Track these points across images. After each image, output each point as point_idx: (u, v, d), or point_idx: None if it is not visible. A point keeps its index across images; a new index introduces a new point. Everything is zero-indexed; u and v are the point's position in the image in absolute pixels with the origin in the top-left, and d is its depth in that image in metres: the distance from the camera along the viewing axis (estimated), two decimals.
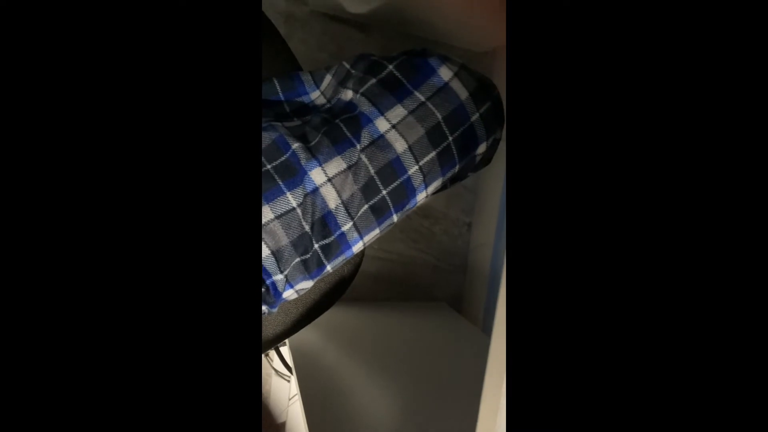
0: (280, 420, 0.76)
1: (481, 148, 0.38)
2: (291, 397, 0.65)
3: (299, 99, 0.40)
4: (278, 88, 0.40)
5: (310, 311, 0.44)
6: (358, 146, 0.34)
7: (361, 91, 0.36)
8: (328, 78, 0.40)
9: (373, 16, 0.71)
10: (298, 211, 0.34)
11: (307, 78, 0.40)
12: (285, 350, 0.64)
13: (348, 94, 0.37)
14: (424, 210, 0.86)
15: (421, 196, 0.37)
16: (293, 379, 0.59)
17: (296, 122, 0.37)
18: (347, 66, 0.39)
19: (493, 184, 0.82)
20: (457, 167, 0.37)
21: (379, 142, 0.34)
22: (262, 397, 0.85)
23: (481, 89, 0.36)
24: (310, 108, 0.40)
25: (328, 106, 0.39)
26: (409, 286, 0.87)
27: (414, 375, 0.60)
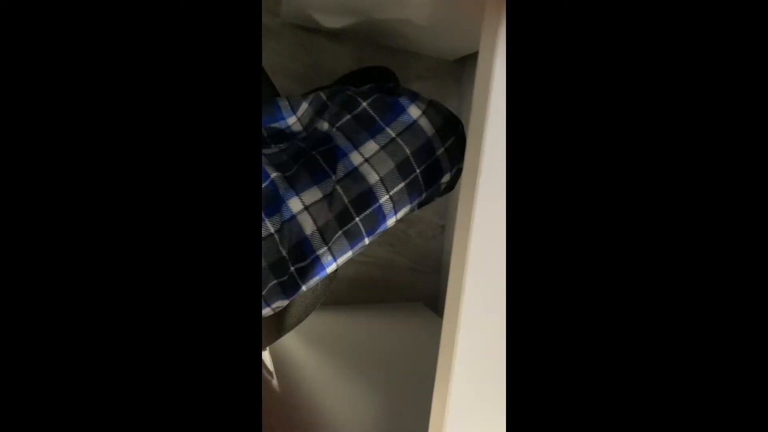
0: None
1: (446, 178, 0.41)
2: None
3: (276, 124, 0.42)
4: None
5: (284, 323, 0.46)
6: (334, 177, 0.36)
7: (337, 125, 0.38)
8: (304, 105, 0.42)
9: (346, 27, 0.73)
10: (276, 237, 0.36)
11: (284, 104, 0.42)
12: (266, 355, 0.65)
13: (324, 126, 0.39)
14: None
15: (391, 221, 0.40)
16: (274, 383, 0.60)
17: (274, 149, 0.39)
18: (323, 97, 0.41)
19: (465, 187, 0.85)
20: (424, 195, 0.40)
21: (353, 174, 0.37)
22: None
23: (447, 125, 0.39)
24: (287, 134, 0.42)
25: (305, 134, 0.41)
26: (386, 288, 0.89)
27: (394, 373, 0.62)
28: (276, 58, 0.74)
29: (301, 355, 0.64)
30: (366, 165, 0.37)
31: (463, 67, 0.86)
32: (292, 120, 0.42)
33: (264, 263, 0.36)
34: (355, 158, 0.37)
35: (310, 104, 0.42)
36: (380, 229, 0.40)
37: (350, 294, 0.86)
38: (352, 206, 0.37)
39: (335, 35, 0.77)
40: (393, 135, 0.37)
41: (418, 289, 0.93)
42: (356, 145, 0.37)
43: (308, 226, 0.36)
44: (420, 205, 0.42)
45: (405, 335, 0.76)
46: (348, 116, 0.38)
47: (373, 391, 0.57)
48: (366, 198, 0.37)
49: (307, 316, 0.43)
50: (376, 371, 0.62)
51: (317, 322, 0.74)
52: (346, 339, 0.71)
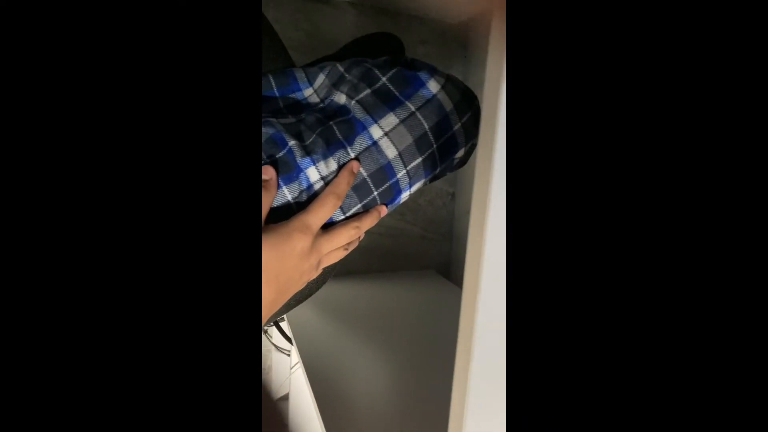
0: (284, 392, 0.80)
1: (460, 153, 0.41)
2: (292, 366, 0.68)
3: (293, 95, 0.42)
4: (273, 84, 0.41)
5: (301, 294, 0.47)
6: (350, 149, 0.36)
7: (356, 98, 0.38)
8: (321, 77, 0.41)
9: None
10: (294, 205, 0.36)
11: (300, 75, 0.42)
12: (284, 325, 0.67)
13: (342, 98, 0.39)
14: None
15: (405, 195, 0.40)
16: (293, 349, 0.63)
17: (291, 119, 0.39)
18: (341, 69, 0.40)
19: (474, 154, 0.84)
20: (438, 170, 0.40)
21: (373, 148, 0.37)
22: (265, 372, 0.89)
23: (464, 101, 0.39)
24: (304, 105, 0.42)
25: (322, 105, 0.41)
26: (398, 256, 0.91)
27: (409, 338, 0.63)
28: (278, 27, 0.73)
29: (319, 324, 0.66)
30: (385, 139, 0.37)
31: (468, 29, 0.84)
32: (308, 92, 0.42)
33: None
34: (375, 132, 0.37)
35: (326, 76, 0.41)
36: (395, 203, 0.40)
37: (362, 264, 0.88)
38: (371, 180, 0.37)
39: (336, 1, 0.74)
40: (413, 109, 0.37)
41: (429, 256, 0.94)
42: (376, 119, 0.37)
43: None
44: (432, 180, 0.42)
45: (418, 301, 0.78)
46: (367, 90, 0.38)
47: (391, 354, 0.59)
48: (385, 173, 0.37)
49: (313, 293, 0.44)
50: (391, 338, 0.64)
51: (332, 291, 0.76)
52: (362, 307, 0.73)
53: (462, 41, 0.85)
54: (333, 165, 0.36)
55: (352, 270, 0.86)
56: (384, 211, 0.39)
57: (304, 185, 0.36)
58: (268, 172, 0.34)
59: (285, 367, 0.77)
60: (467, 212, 0.89)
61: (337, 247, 0.37)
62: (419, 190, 0.86)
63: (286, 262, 0.33)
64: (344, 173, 0.36)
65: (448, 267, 0.95)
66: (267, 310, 0.32)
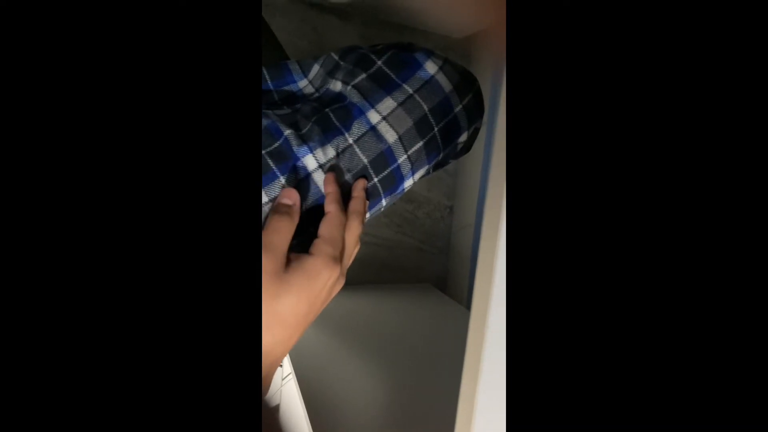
0: (274, 403, 0.78)
1: (463, 137, 0.40)
2: (284, 377, 0.67)
3: (288, 87, 0.41)
4: (267, 76, 0.40)
5: None
6: (348, 135, 0.35)
7: (351, 83, 0.37)
8: (316, 67, 0.41)
9: (352, 4, 0.72)
10: None
11: (295, 67, 0.41)
12: None
13: (337, 86, 0.38)
14: (407, 195, 0.88)
15: (408, 183, 0.39)
16: (286, 359, 0.62)
17: (286, 110, 0.38)
18: (336, 57, 0.40)
19: (472, 168, 0.85)
20: (441, 155, 0.39)
21: (371, 133, 0.36)
22: None
23: (464, 82, 0.38)
24: (299, 97, 0.41)
25: (317, 95, 0.40)
26: (395, 268, 0.90)
27: (403, 352, 0.62)
28: (282, 34, 0.73)
29: (312, 334, 0.65)
30: (384, 123, 0.36)
31: (471, 44, 0.85)
32: (303, 83, 0.41)
33: None
34: (373, 117, 0.36)
35: (321, 65, 0.41)
36: (397, 191, 0.39)
37: (359, 274, 0.87)
38: (371, 166, 0.36)
39: (342, 12, 0.75)
40: (410, 91, 0.36)
41: (426, 269, 0.93)
42: (373, 104, 0.36)
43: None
44: (435, 167, 0.41)
45: (414, 315, 0.77)
46: (363, 75, 0.37)
47: (383, 370, 0.58)
48: (385, 158, 0.36)
49: None
50: (385, 351, 0.63)
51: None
52: (356, 318, 0.72)
53: (465, 55, 0.85)
54: (331, 152, 0.35)
55: (347, 280, 0.85)
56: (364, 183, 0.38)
57: (302, 174, 0.35)
58: (291, 197, 0.32)
59: (276, 377, 0.76)
60: (465, 226, 0.88)
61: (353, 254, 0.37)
62: (416, 202, 0.84)
63: (317, 300, 0.32)
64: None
65: (444, 281, 0.94)
66: (291, 345, 0.32)
